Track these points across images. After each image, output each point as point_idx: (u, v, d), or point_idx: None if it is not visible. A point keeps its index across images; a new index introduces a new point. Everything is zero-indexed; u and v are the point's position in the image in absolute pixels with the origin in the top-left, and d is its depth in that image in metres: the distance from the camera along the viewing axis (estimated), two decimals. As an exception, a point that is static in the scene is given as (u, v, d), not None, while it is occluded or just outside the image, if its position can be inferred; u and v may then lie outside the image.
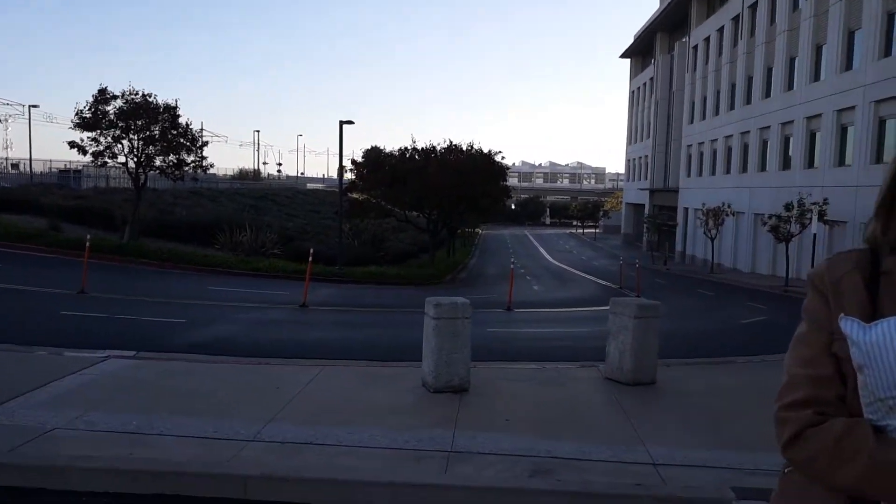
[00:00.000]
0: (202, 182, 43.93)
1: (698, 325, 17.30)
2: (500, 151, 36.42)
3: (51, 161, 50.51)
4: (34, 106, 54.96)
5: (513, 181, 57.32)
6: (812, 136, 33.56)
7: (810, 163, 33.58)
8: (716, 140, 45.95)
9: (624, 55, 76.24)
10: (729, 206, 39.98)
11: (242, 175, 79.42)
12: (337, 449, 5.76)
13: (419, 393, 7.63)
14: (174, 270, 24.30)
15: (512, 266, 22.27)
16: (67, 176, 45.37)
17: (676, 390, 8.34)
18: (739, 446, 6.30)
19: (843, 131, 30.77)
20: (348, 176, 35.71)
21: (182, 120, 27.93)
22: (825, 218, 28.59)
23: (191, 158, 28.52)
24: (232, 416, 6.48)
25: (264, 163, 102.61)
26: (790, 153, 35.63)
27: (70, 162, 46.51)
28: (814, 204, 28.61)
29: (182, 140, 27.94)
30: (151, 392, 7.25)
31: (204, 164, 29.53)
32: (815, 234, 28.13)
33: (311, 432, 6.10)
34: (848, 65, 30.53)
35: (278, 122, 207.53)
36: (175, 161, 28.03)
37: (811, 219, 28.52)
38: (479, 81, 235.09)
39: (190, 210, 36.69)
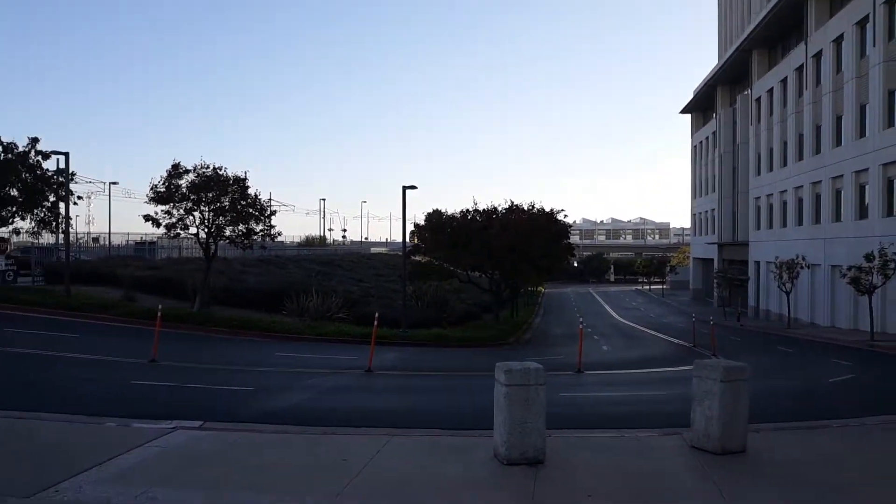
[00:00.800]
0: (270, 250, 44.91)
1: (783, 385, 16.31)
2: (562, 210, 36.15)
3: (128, 234, 52.77)
4: (114, 183, 57.80)
5: (575, 239, 56.74)
6: (890, 184, 32.20)
7: (890, 211, 32.13)
8: (785, 191, 44.64)
9: (684, 110, 75.73)
10: (803, 259, 38.46)
11: (309, 242, 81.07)
12: (409, 529, 5.43)
13: (492, 466, 7.23)
14: (243, 338, 24.56)
15: (581, 326, 21.66)
16: (143, 248, 47.11)
17: (771, 460, 7.70)
18: (851, 525, 5.68)
19: (924, 177, 29.45)
20: (411, 239, 35.93)
21: (251, 191, 28.70)
22: (911, 268, 27.09)
23: (259, 227, 29.15)
24: (299, 492, 6.22)
25: (330, 229, 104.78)
26: (866, 202, 34.22)
27: (146, 234, 48.34)
28: (896, 254, 27.21)
29: (251, 210, 28.63)
30: (218, 466, 7.08)
31: (272, 232, 30.11)
32: (901, 286, 26.64)
33: (381, 510, 5.79)
34: (924, 109, 29.42)
35: (342, 189, 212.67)
36: (244, 230, 28.68)
37: (895, 269, 27.05)
38: (540, 142, 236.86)
39: (258, 277, 37.39)
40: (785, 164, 44.95)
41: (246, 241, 29.02)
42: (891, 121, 32.12)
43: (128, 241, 51.33)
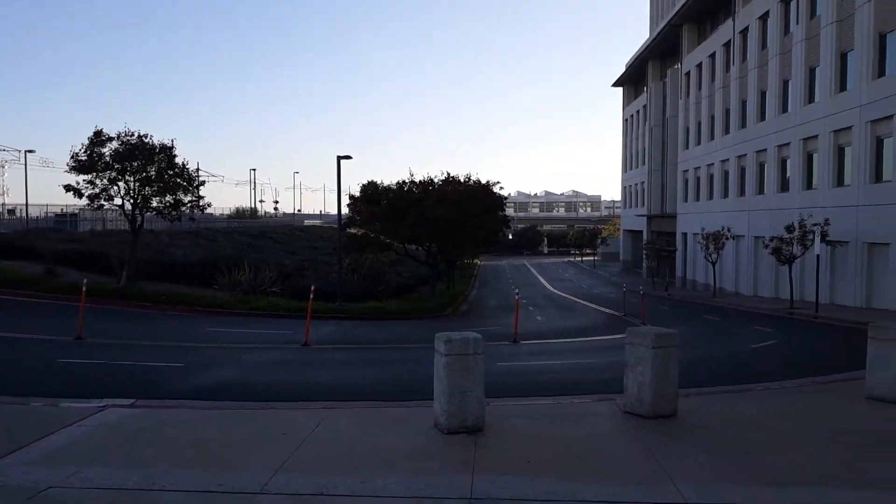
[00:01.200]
0: (199, 222, 43.72)
1: (710, 352, 16.95)
2: (497, 182, 36.30)
3: (47, 206, 50.24)
4: (30, 151, 54.87)
5: (509, 211, 57.26)
6: (809, 158, 33.55)
7: (809, 184, 33.53)
8: (712, 164, 45.99)
9: (616, 84, 76.84)
10: (728, 230, 39.84)
11: (239, 214, 79.32)
12: (351, 500, 5.42)
13: (432, 435, 7.28)
14: (172, 313, 23.95)
15: (516, 297, 21.96)
16: (64, 220, 45.04)
17: (699, 422, 8.01)
18: (772, 481, 5.97)
19: (841, 152, 30.75)
20: (346, 211, 35.54)
21: (178, 160, 27.80)
22: (827, 238, 28.38)
23: (188, 198, 28.30)
24: (238, 468, 6.13)
25: (261, 201, 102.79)
26: (788, 175, 35.60)
27: (66, 206, 46.16)
28: (815, 225, 28.44)
29: (178, 180, 27.75)
30: (152, 444, 6.90)
31: (201, 203, 29.32)
32: (818, 255, 27.91)
33: (323, 482, 5.76)
34: (842, 86, 30.62)
35: (274, 160, 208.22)
36: (172, 201, 27.81)
37: (813, 240, 28.32)
38: (474, 114, 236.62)
39: (187, 250, 36.42)
40: (712, 137, 46.25)
41: (174, 213, 28.18)
42: (811, 97, 33.36)
43: (47, 212, 48.92)
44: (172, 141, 27.66)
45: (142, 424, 7.62)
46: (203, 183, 29.48)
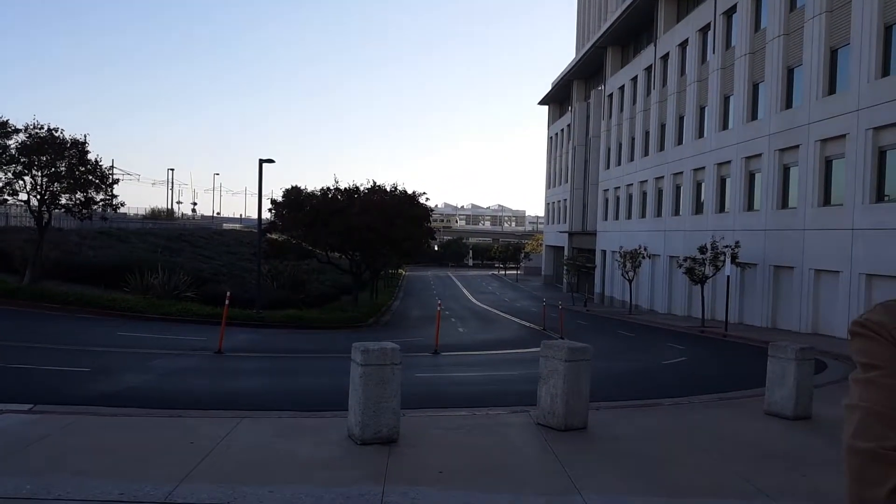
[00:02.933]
0: (112, 222, 42.04)
1: (622, 367, 17.43)
2: (423, 193, 36.36)
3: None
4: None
5: (436, 223, 57.53)
6: (723, 182, 35.07)
7: (721, 207, 35.02)
8: (631, 185, 47.47)
9: (542, 102, 78.48)
10: (645, 249, 41.15)
11: (155, 215, 76.76)
12: (257, 511, 5.30)
13: (346, 445, 7.21)
14: (80, 315, 22.90)
15: (439, 308, 22.02)
16: (-38, 215, 42.50)
17: (608, 435, 8.22)
18: (674, 493, 6.19)
19: (752, 178, 32.29)
20: (267, 216, 34.87)
21: (91, 156, 26.67)
22: (737, 260, 29.70)
23: (100, 197, 27.17)
24: (141, 477, 5.90)
25: (178, 202, 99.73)
26: (702, 198, 37.10)
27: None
28: (726, 247, 29.72)
29: (90, 177, 26.60)
30: (50, 451, 6.57)
31: (114, 202, 28.21)
32: (728, 276, 29.16)
33: (230, 492, 5.61)
34: (754, 115, 32.19)
35: (194, 161, 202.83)
36: (83, 199, 26.63)
37: (724, 261, 29.57)
38: (405, 125, 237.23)
39: (98, 251, 34.92)
40: (632, 159, 47.76)
41: (84, 211, 26.98)
42: (725, 124, 34.94)
43: (-55, 207, 46.08)
44: (85, 136, 26.54)
45: (40, 431, 7.25)
46: (117, 181, 28.51)
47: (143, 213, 73.96)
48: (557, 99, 74.47)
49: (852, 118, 24.46)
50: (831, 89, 26.38)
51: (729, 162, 33.81)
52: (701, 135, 37.41)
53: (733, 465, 7.15)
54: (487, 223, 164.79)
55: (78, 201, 26.60)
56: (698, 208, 37.48)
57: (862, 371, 1.26)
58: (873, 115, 23.42)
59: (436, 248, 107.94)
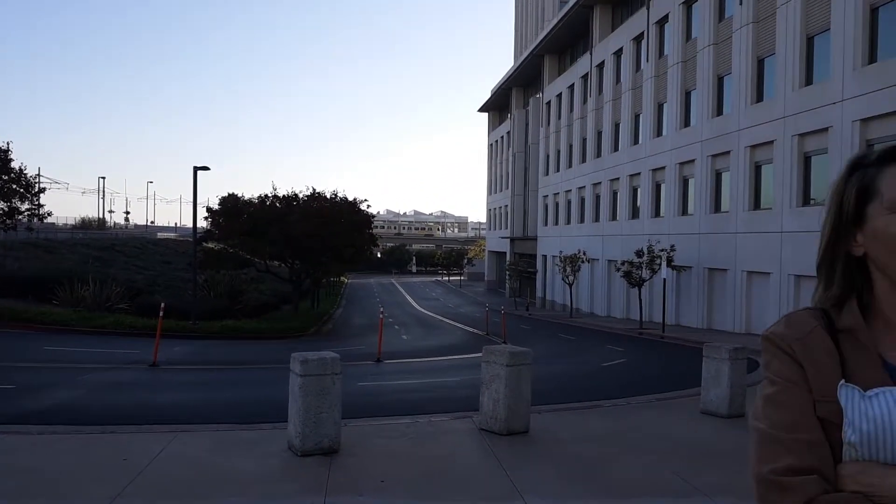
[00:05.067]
0: (39, 232, 40.47)
1: (563, 369, 17.64)
2: (365, 199, 36.20)
3: None
4: None
5: (378, 230, 57.17)
6: (658, 188, 35.94)
7: (657, 212, 35.87)
8: (570, 191, 48.23)
9: (482, 109, 79.11)
10: (584, 254, 41.82)
11: (85, 224, 74.18)
12: (192, 529, 5.13)
13: (285, 457, 7.06)
14: (4, 329, 21.92)
15: (381, 316, 21.88)
16: None
17: (550, 438, 8.28)
18: (614, 493, 6.26)
19: (686, 183, 33.18)
20: (203, 224, 34.12)
21: (15, 164, 25.68)
22: (673, 263, 30.46)
23: (25, 206, 26.20)
24: (70, 497, 5.66)
25: (110, 211, 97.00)
26: (638, 203, 37.92)
27: None
28: (662, 251, 30.45)
29: (14, 186, 25.62)
30: (-33, 474, 6.23)
31: (40, 212, 27.20)
32: (664, 279, 29.86)
33: (163, 511, 5.42)
34: (686, 122, 33.11)
35: (126, 169, 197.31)
36: (6, 209, 25.60)
37: (660, 265, 30.27)
38: (346, 133, 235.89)
39: (24, 263, 33.51)
40: (570, 165, 48.53)
41: (8, 222, 25.98)
42: (660, 130, 35.84)
43: None
44: (8, 144, 25.62)
45: (-43, 454, 6.87)
46: (44, 190, 27.47)
47: (73, 223, 71.44)
48: (497, 106, 75.19)
49: (779, 125, 25.40)
50: (759, 97, 27.34)
51: (663, 168, 34.66)
52: (636, 141, 38.27)
53: (671, 464, 7.29)
54: (430, 229, 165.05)
55: (1, 211, 25.56)
56: (635, 213, 38.30)
57: (765, 386, 1.31)
58: (798, 122, 24.36)
59: (379, 256, 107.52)
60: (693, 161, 31.88)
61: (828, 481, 1.17)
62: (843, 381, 1.20)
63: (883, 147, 1.29)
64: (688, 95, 33.03)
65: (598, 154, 43.37)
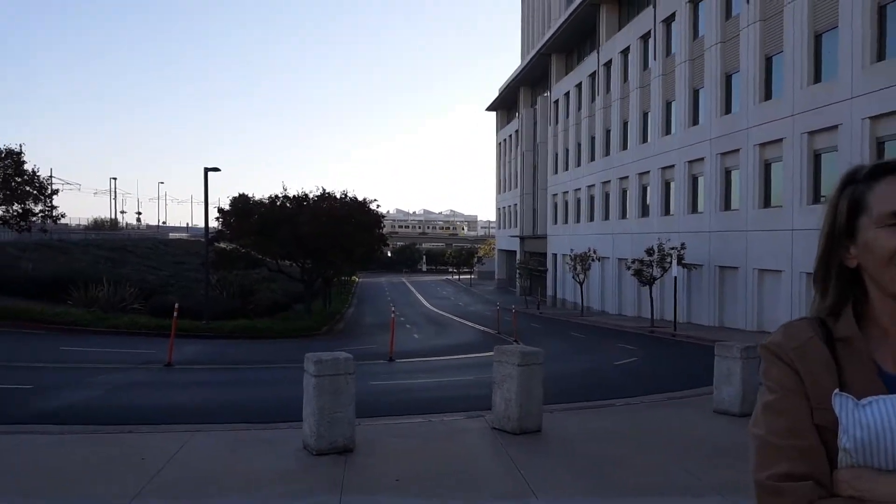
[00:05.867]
0: (53, 233, 40.82)
1: (575, 368, 17.67)
2: (374, 199, 36.29)
3: None
4: None
5: (388, 229, 57.23)
6: (667, 186, 35.86)
7: (667, 210, 35.79)
8: (579, 189, 48.18)
9: (490, 108, 79.06)
10: (594, 252, 41.78)
11: (98, 225, 74.69)
12: (212, 527, 5.23)
13: (301, 456, 7.15)
14: (20, 330, 22.16)
15: (393, 315, 21.98)
16: None
17: (562, 437, 8.33)
18: (626, 493, 6.31)
19: (695, 181, 33.10)
20: (215, 225, 34.29)
21: (28, 166, 25.93)
22: (683, 261, 30.42)
23: (38, 208, 26.43)
24: (90, 495, 5.76)
25: (122, 212, 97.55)
26: (648, 202, 37.86)
27: None
28: (672, 249, 30.40)
29: (28, 188, 25.87)
30: (-9, 474, 6.35)
31: (54, 213, 27.42)
32: (675, 277, 29.82)
33: (182, 509, 5.52)
34: (695, 120, 33.02)
35: (138, 170, 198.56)
36: (20, 211, 25.85)
37: (671, 263, 30.23)
38: (355, 134, 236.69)
39: (38, 264, 33.83)
40: (579, 164, 48.48)
41: (23, 223, 26.19)
42: (668, 128, 35.75)
43: None
44: (21, 146, 25.77)
45: (-20, 454, 7.00)
46: (57, 191, 27.79)
47: (86, 224, 71.92)
48: (505, 105, 75.14)
49: (788, 123, 25.32)
50: (767, 95, 27.26)
51: (673, 166, 34.59)
52: (645, 140, 38.19)
53: (684, 462, 7.33)
54: (440, 229, 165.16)
55: (15, 213, 25.82)
56: (644, 211, 38.24)
57: (763, 394, 1.37)
58: (807, 120, 24.28)
59: (389, 255, 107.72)
60: (702, 159, 31.80)
61: (824, 487, 1.23)
62: (836, 390, 1.25)
63: (874, 163, 1.35)
64: (696, 93, 32.94)
65: (607, 152, 43.31)
